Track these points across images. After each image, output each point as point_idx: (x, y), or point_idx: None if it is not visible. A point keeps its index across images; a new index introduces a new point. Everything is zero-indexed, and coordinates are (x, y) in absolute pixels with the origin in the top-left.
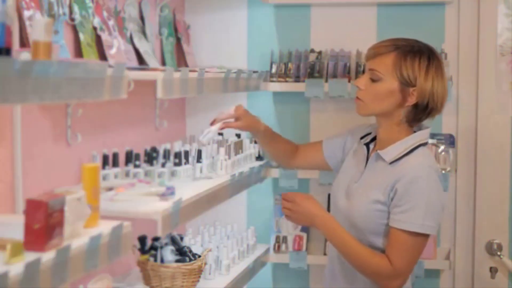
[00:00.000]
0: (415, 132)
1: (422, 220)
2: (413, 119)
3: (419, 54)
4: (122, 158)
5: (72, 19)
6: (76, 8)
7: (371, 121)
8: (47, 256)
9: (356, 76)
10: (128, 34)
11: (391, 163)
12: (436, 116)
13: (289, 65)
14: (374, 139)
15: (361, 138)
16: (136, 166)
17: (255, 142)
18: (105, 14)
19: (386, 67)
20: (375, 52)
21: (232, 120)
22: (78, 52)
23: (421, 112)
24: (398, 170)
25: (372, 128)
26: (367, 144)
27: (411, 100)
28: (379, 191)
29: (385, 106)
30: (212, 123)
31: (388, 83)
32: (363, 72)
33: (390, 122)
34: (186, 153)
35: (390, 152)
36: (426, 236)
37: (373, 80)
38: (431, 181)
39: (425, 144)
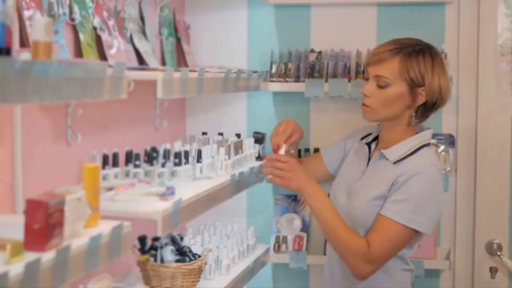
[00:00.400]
0: (417, 133)
1: (411, 214)
2: (421, 117)
3: (422, 53)
4: (122, 158)
5: (72, 19)
6: (76, 8)
7: (370, 123)
8: (47, 256)
9: (356, 76)
10: (128, 34)
11: (394, 162)
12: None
13: (289, 65)
14: (375, 139)
15: (362, 138)
16: (136, 166)
17: (255, 142)
18: (105, 14)
19: (393, 71)
20: (379, 58)
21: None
22: (78, 52)
23: (430, 109)
24: (401, 167)
25: (372, 128)
26: (368, 144)
27: (421, 100)
28: (381, 188)
29: (395, 110)
30: (275, 150)
31: (397, 87)
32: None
33: (397, 124)
34: (186, 153)
35: (394, 151)
36: (412, 231)
37: (380, 86)
38: (432, 179)
39: (428, 144)
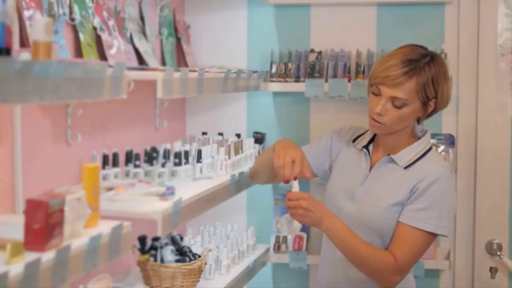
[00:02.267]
0: (417, 134)
1: (436, 221)
2: (425, 119)
3: (433, 65)
4: (122, 158)
5: (72, 19)
6: (76, 8)
7: (355, 123)
8: (47, 256)
9: (356, 76)
10: (128, 34)
11: (405, 167)
12: None
13: (289, 65)
14: (370, 141)
15: (354, 140)
16: (136, 166)
17: (255, 142)
18: (105, 14)
19: (410, 93)
20: (396, 82)
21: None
22: (78, 52)
23: (434, 113)
24: (418, 172)
25: (360, 129)
26: (366, 147)
27: (430, 109)
28: (399, 194)
29: (406, 123)
30: (286, 181)
31: (413, 105)
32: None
33: (403, 132)
34: (186, 153)
35: (404, 156)
36: (435, 236)
37: (396, 106)
38: (450, 183)
39: (431, 147)
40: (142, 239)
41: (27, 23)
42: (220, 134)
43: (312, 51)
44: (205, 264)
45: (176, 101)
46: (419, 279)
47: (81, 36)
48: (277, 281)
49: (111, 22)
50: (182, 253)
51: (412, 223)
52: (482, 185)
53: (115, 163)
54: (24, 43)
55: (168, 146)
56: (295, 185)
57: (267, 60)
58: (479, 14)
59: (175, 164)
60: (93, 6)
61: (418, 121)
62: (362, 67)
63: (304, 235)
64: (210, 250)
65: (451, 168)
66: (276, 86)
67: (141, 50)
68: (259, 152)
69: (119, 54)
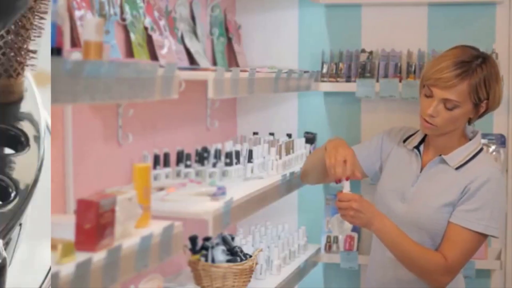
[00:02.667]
0: (468, 135)
1: (487, 221)
2: (476, 120)
3: (485, 67)
4: (173, 158)
5: (123, 19)
6: (127, 8)
7: (406, 123)
8: (98, 256)
9: (407, 76)
10: (179, 34)
11: (457, 168)
12: None
13: (340, 65)
14: (421, 142)
15: (404, 141)
16: (187, 166)
17: (307, 142)
18: (156, 14)
19: (463, 95)
20: (449, 84)
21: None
22: (129, 52)
23: (485, 114)
24: (469, 173)
25: (410, 129)
26: (416, 147)
27: (482, 110)
28: (450, 195)
29: (458, 125)
30: (337, 181)
31: (465, 107)
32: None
33: (454, 133)
34: (237, 153)
35: (455, 157)
36: (485, 237)
37: (448, 108)
38: (502, 184)
39: (482, 148)
40: (193, 239)
41: (78, 23)
42: (271, 134)
43: (363, 51)
44: (256, 264)
45: (227, 101)
46: (470, 279)
47: (132, 36)
48: (328, 281)
49: (162, 22)
50: (233, 253)
51: (463, 224)
52: None
53: (166, 163)
54: (75, 43)
55: (219, 146)
56: (346, 186)
57: (318, 60)
58: None
59: (226, 164)
60: (144, 6)
61: (469, 122)
62: (413, 67)
63: (355, 235)
64: (261, 250)
65: (502, 168)
66: (327, 86)
67: (192, 50)
68: (310, 152)
69: (170, 54)
